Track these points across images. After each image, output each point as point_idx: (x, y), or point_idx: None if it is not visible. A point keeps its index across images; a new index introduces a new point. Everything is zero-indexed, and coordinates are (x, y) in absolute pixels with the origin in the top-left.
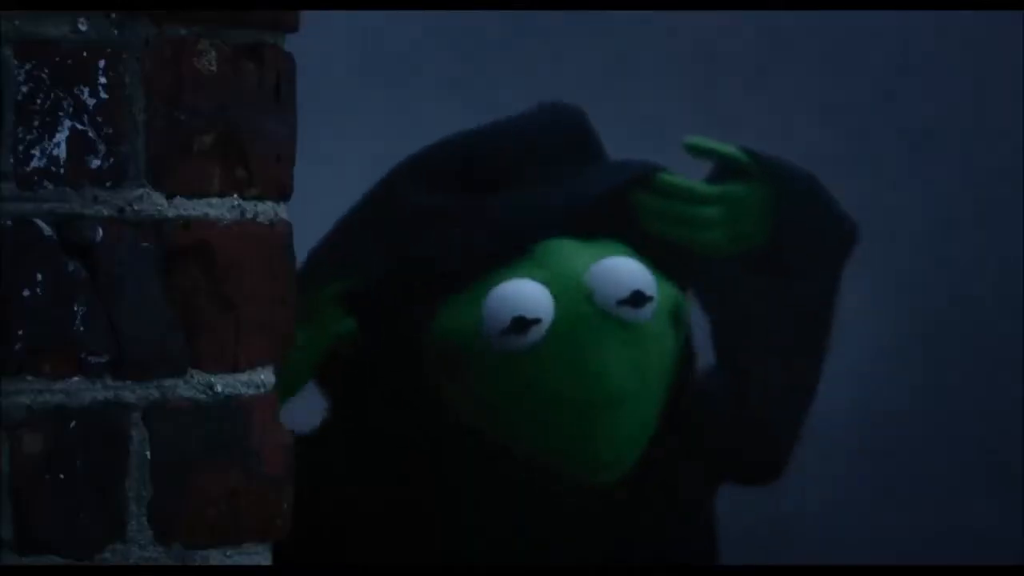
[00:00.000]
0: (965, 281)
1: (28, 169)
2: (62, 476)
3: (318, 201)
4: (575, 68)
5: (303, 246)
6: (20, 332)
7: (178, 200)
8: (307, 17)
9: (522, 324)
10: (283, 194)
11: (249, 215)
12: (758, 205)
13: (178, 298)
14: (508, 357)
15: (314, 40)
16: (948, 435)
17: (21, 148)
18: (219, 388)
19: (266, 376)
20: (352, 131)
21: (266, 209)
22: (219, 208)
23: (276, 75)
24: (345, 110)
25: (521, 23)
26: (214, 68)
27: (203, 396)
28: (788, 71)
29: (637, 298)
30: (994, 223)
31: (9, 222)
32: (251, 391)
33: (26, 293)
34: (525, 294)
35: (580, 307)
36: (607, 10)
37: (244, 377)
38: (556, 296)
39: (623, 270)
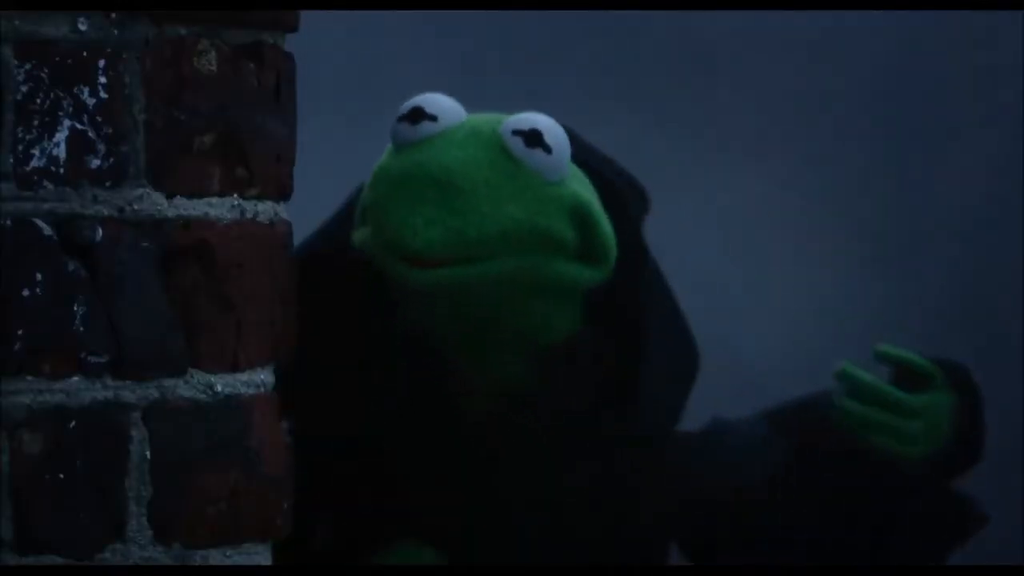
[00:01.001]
0: (965, 280)
1: (28, 169)
2: (62, 476)
3: (318, 201)
4: (574, 68)
5: None
6: (20, 332)
7: (178, 200)
8: (307, 17)
9: (418, 114)
10: (283, 194)
11: (249, 215)
12: (946, 415)
13: (178, 298)
14: (398, 148)
15: (314, 40)
16: None
17: (21, 148)
18: (219, 388)
19: (266, 376)
20: (352, 131)
21: (266, 209)
22: (219, 208)
23: (276, 75)
24: (345, 110)
25: (520, 23)
26: (214, 68)
27: (203, 396)
28: (788, 71)
29: (532, 135)
30: (994, 224)
31: (9, 222)
32: (251, 391)
33: (26, 293)
34: (435, 96)
35: (480, 125)
36: (607, 10)
37: (244, 377)
38: (472, 117)
39: (538, 116)
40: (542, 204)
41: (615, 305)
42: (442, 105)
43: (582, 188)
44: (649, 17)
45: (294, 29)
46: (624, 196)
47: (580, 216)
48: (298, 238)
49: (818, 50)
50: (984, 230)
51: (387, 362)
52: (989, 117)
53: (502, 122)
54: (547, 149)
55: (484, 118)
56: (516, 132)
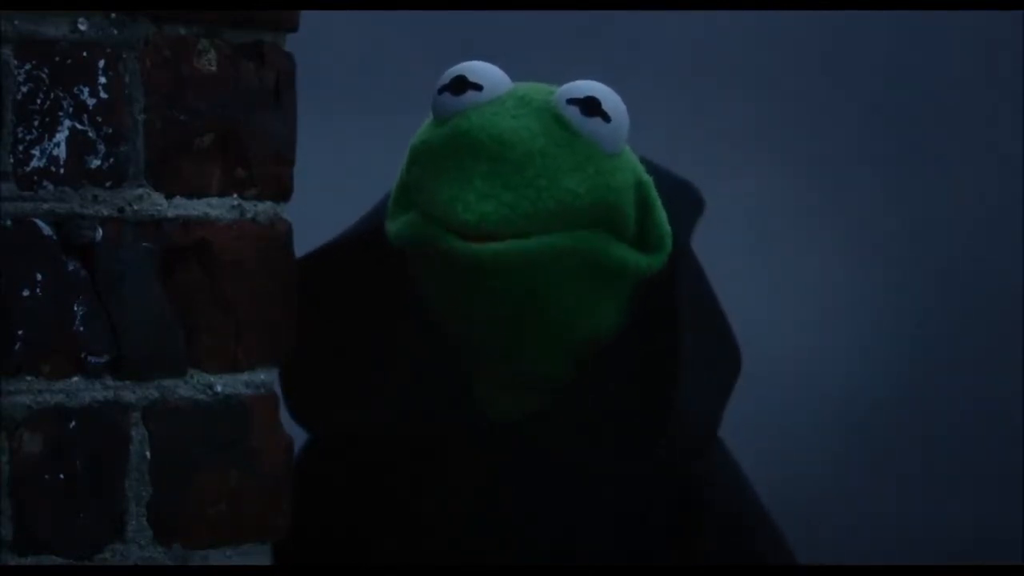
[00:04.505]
0: (962, 275)
1: (28, 169)
2: (62, 476)
3: (318, 201)
4: (577, 68)
5: (303, 246)
6: (20, 332)
7: (178, 200)
8: (307, 17)
9: (461, 84)
10: (283, 194)
11: (249, 215)
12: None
13: (178, 298)
14: (440, 120)
15: (314, 40)
16: (947, 432)
17: (21, 148)
18: (219, 388)
19: (266, 376)
20: (352, 131)
21: (266, 209)
22: (219, 208)
23: (276, 75)
24: (345, 109)
25: (521, 23)
26: (214, 68)
27: (203, 396)
28: (789, 72)
29: (590, 104)
30: (992, 223)
31: (9, 222)
32: (251, 391)
33: (26, 293)
34: (479, 63)
35: (530, 93)
36: (610, 10)
37: (244, 377)
38: (519, 86)
39: (594, 83)
40: (604, 177)
41: (656, 304)
42: (487, 73)
43: (640, 167)
44: (653, 16)
45: (294, 29)
46: (671, 193)
47: (641, 196)
48: (298, 238)
49: (824, 49)
50: (982, 228)
51: (409, 358)
52: (992, 117)
53: (554, 91)
54: (606, 117)
55: (533, 87)
56: (572, 101)
